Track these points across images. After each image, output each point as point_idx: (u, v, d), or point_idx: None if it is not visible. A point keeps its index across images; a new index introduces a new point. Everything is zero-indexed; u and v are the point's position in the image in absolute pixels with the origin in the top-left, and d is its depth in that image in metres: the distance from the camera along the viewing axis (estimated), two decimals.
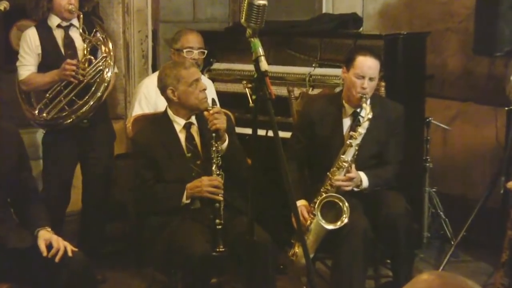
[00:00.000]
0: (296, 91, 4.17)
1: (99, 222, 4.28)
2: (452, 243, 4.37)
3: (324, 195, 3.48)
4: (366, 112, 3.51)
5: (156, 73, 4.36)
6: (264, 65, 2.62)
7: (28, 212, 3.16)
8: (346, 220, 3.38)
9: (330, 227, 3.42)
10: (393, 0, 5.24)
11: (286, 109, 4.07)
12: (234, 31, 5.19)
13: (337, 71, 4.37)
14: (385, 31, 4.91)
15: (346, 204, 3.40)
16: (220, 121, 3.46)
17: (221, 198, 3.40)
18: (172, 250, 3.32)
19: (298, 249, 3.53)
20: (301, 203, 3.57)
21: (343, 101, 3.69)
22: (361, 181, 3.56)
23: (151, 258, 3.59)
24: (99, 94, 3.99)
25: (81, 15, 4.00)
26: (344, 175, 3.51)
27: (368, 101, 3.57)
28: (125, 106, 4.91)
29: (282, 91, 4.34)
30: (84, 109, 3.97)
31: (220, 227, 3.34)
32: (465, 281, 1.65)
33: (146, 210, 3.55)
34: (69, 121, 3.98)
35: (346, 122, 3.68)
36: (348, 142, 3.50)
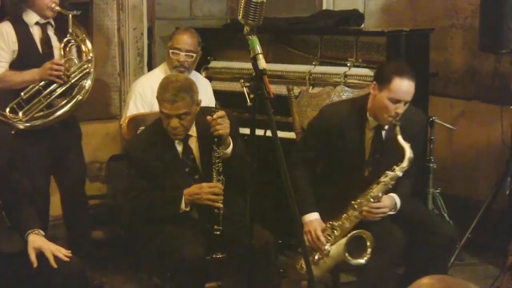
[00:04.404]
0: (296, 90, 4.14)
1: (85, 226, 4.20)
2: (457, 245, 4.31)
3: (347, 224, 3.36)
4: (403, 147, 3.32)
5: (152, 72, 4.36)
6: (262, 63, 2.60)
7: (19, 214, 3.12)
8: (368, 256, 3.26)
9: (355, 263, 3.29)
10: None
11: (285, 108, 4.02)
12: (232, 28, 5.16)
13: (338, 69, 4.39)
14: (387, 27, 4.87)
15: (373, 241, 3.27)
16: (223, 127, 3.33)
17: (221, 205, 3.33)
18: (164, 253, 3.28)
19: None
20: (313, 217, 3.45)
21: (368, 114, 3.48)
22: (395, 204, 3.43)
23: (145, 263, 3.57)
24: (80, 96, 3.89)
25: (70, 15, 3.85)
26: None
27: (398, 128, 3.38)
28: (119, 106, 4.88)
29: (281, 89, 4.31)
30: (63, 110, 3.86)
31: (218, 232, 3.30)
32: (468, 285, 1.63)
33: (143, 218, 3.47)
34: (45, 121, 3.83)
35: (368, 135, 3.50)
36: (382, 181, 3.34)
